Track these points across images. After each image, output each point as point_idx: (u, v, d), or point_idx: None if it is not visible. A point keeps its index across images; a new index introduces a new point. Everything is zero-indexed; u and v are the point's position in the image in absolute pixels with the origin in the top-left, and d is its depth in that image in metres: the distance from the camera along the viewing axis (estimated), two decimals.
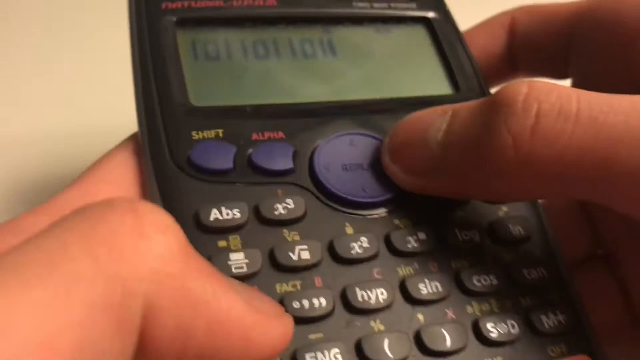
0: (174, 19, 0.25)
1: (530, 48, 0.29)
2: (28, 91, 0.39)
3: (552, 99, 0.19)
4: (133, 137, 0.23)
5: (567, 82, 0.29)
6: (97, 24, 0.42)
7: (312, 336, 0.19)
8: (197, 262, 0.15)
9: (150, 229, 0.14)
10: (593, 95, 0.19)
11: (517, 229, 0.22)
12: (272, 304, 0.17)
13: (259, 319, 0.16)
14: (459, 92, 0.26)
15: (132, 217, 0.14)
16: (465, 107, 0.21)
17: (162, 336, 0.14)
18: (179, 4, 0.25)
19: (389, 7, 0.28)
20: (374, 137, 0.23)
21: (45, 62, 0.41)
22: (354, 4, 0.27)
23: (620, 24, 0.25)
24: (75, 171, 0.22)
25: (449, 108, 0.21)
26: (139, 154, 0.22)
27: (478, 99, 0.21)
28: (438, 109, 0.22)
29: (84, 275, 0.13)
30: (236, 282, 0.16)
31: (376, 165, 0.23)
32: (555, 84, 0.19)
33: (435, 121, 0.21)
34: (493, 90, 0.27)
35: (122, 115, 0.26)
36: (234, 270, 0.19)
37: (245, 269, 0.19)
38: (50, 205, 0.20)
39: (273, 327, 0.16)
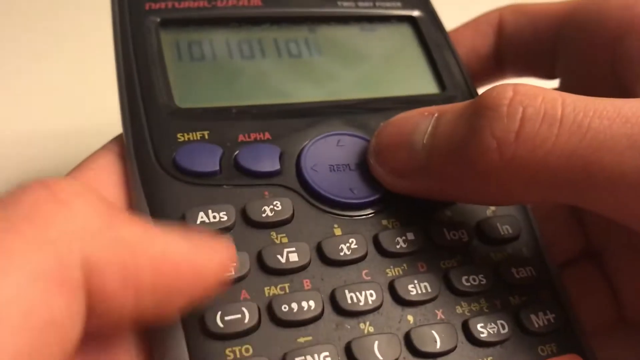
0: (158, 19, 0.24)
1: (518, 48, 0.29)
2: (13, 91, 0.38)
3: (537, 103, 0.19)
4: (117, 139, 0.22)
5: (555, 83, 0.29)
6: (85, 23, 0.42)
7: (301, 339, 0.19)
8: (124, 214, 0.16)
9: (65, 195, 0.15)
10: (578, 99, 0.19)
11: (505, 228, 0.22)
12: (207, 235, 0.17)
13: (196, 246, 0.16)
14: (445, 91, 0.26)
15: (45, 190, 0.15)
16: (451, 109, 0.21)
17: (111, 287, 0.15)
18: (163, 5, 0.25)
19: (374, 6, 0.28)
20: (360, 138, 0.23)
21: (31, 61, 0.40)
22: (339, 3, 0.27)
23: (604, 24, 0.25)
24: (62, 171, 0.22)
25: (434, 109, 0.21)
26: (123, 156, 0.22)
27: (464, 101, 0.21)
28: (423, 110, 0.21)
29: (13, 250, 0.13)
30: (167, 227, 0.17)
31: (364, 166, 0.22)
32: (540, 88, 0.19)
33: (421, 123, 0.21)
34: (480, 90, 0.27)
35: (108, 115, 0.26)
36: None
37: (232, 272, 0.19)
38: None
39: (212, 250, 0.17)
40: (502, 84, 0.20)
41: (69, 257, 0.14)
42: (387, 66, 0.26)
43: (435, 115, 0.21)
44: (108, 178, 0.21)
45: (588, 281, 0.27)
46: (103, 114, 0.30)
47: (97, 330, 0.16)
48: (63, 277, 0.14)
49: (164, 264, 0.16)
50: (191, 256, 0.16)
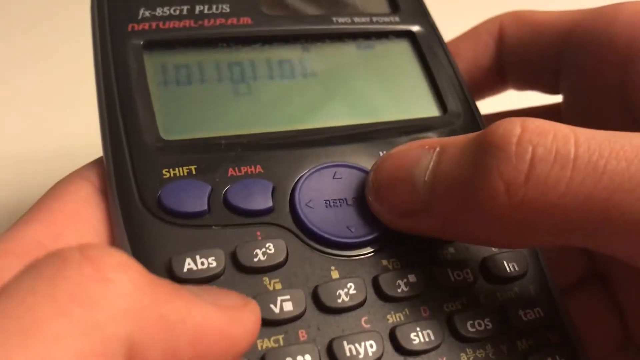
0: (141, 42, 0.23)
1: (519, 59, 0.28)
2: None
3: (547, 141, 0.17)
4: (94, 165, 0.21)
5: (557, 98, 0.28)
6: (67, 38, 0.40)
7: None
8: (163, 287, 0.16)
9: (110, 272, 0.15)
10: (593, 136, 0.17)
11: (511, 266, 0.21)
12: (234, 295, 0.17)
13: (231, 316, 0.16)
14: (447, 114, 0.24)
15: (89, 265, 0.14)
16: (454, 143, 0.19)
17: None
18: (146, 25, 0.23)
19: (371, 22, 0.26)
20: (358, 169, 0.22)
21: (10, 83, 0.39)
22: (334, 19, 0.26)
23: (613, 43, 0.24)
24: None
25: (436, 143, 0.20)
26: (102, 189, 0.20)
27: (467, 135, 0.19)
28: (424, 143, 0.20)
29: (61, 335, 0.13)
30: (197, 288, 0.17)
31: (362, 200, 0.21)
32: (551, 123, 0.18)
33: (422, 158, 0.20)
34: (480, 104, 0.25)
35: (86, 136, 0.25)
36: None
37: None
38: (14, 238, 0.19)
39: (244, 317, 0.17)
40: (508, 119, 0.18)
41: (115, 341, 0.14)
42: (386, 88, 0.25)
43: (437, 149, 0.20)
44: (89, 213, 0.20)
45: (594, 304, 0.27)
46: (83, 133, 0.29)
47: None
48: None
49: (202, 339, 0.15)
50: (227, 328, 0.16)
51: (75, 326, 0.13)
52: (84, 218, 0.20)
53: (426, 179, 0.19)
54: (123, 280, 0.15)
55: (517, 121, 0.18)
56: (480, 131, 0.19)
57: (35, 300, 0.13)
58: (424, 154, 0.20)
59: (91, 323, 0.14)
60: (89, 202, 0.20)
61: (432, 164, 0.19)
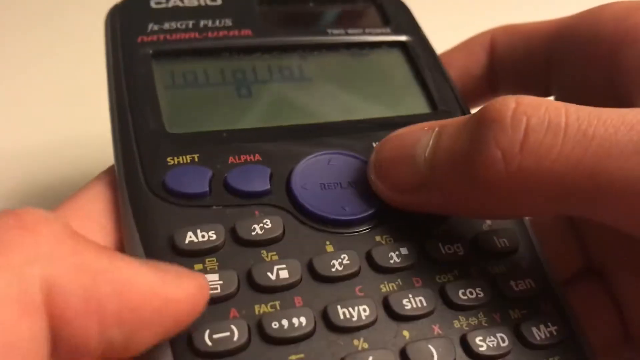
0: (150, 51, 0.25)
1: (511, 67, 0.29)
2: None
3: (540, 113, 0.18)
4: (108, 171, 0.23)
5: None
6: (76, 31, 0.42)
7: (293, 357, 0.18)
8: (90, 243, 0.16)
9: (31, 223, 0.15)
10: (581, 108, 0.19)
11: (502, 241, 0.22)
12: (180, 267, 0.18)
13: (168, 278, 0.17)
14: (437, 111, 0.26)
15: (12, 217, 0.15)
16: (452, 122, 0.21)
17: (73, 310, 0.15)
18: (155, 37, 0.25)
19: (364, 33, 0.28)
20: (352, 156, 0.23)
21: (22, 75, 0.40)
22: (329, 31, 0.28)
23: (598, 37, 0.25)
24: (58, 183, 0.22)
25: (435, 124, 0.21)
26: (113, 186, 0.22)
27: (465, 115, 0.21)
28: (424, 125, 0.21)
29: None
30: (141, 259, 0.17)
31: (355, 183, 0.22)
32: (544, 99, 0.19)
33: (422, 137, 0.21)
34: (473, 110, 0.27)
35: (87, 135, 0.26)
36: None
37: (219, 291, 0.19)
38: None
39: (184, 282, 0.17)
40: (504, 96, 0.20)
41: (31, 282, 0.15)
42: (379, 89, 0.27)
43: (437, 129, 0.21)
44: (97, 206, 0.21)
45: (592, 298, 0.27)
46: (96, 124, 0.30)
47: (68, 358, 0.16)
48: (25, 301, 0.14)
49: (129, 293, 0.16)
50: (158, 286, 0.16)
51: None
52: (89, 212, 0.21)
53: (426, 156, 0.20)
54: (44, 231, 0.15)
55: (512, 97, 0.19)
56: (477, 110, 0.20)
57: None
58: (423, 134, 0.21)
59: (5, 265, 0.14)
60: (98, 197, 0.22)
61: (431, 142, 0.20)
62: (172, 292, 0.17)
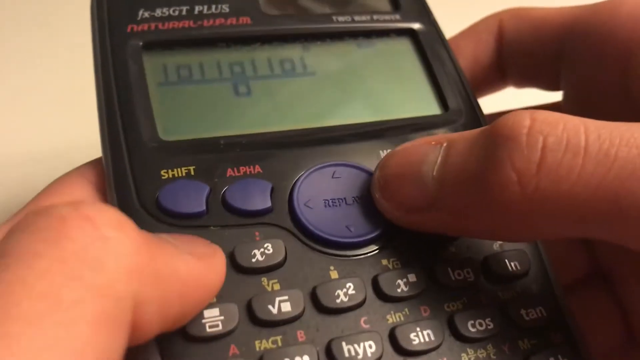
0: (141, 42, 0.23)
1: (519, 55, 0.28)
2: None
3: (558, 131, 0.17)
4: (91, 165, 0.21)
5: (555, 96, 0.27)
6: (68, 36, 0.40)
7: None
8: (154, 242, 0.16)
9: (108, 230, 0.15)
10: (602, 126, 0.17)
11: (513, 264, 0.21)
12: (203, 242, 0.18)
13: (206, 264, 0.17)
14: (448, 112, 0.24)
15: (88, 224, 0.15)
16: (462, 137, 0.19)
17: (149, 321, 0.15)
18: (145, 26, 0.23)
19: (372, 20, 0.26)
20: (357, 168, 0.22)
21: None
22: (334, 18, 0.25)
23: (615, 35, 0.23)
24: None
25: (442, 138, 0.20)
26: (100, 188, 0.21)
27: (474, 129, 0.19)
28: (431, 139, 0.20)
29: (79, 299, 0.13)
30: (172, 237, 0.17)
31: (361, 199, 0.21)
32: (559, 114, 0.18)
33: (429, 154, 0.19)
34: (483, 103, 0.25)
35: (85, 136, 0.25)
36: (208, 330, 0.17)
37: (220, 327, 0.18)
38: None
39: (216, 263, 0.17)
40: (518, 111, 0.18)
41: (125, 300, 0.14)
42: (386, 86, 0.25)
43: (445, 144, 0.19)
44: (84, 188, 0.21)
45: (597, 302, 0.26)
46: (82, 133, 0.29)
47: None
48: (121, 320, 0.14)
49: (187, 289, 0.16)
50: (204, 276, 0.17)
51: (89, 290, 0.14)
52: (78, 193, 0.20)
53: (434, 174, 0.19)
54: (122, 238, 0.15)
55: (526, 113, 0.18)
56: (489, 125, 0.19)
57: (45, 264, 0.14)
58: (431, 150, 0.20)
59: (101, 285, 0.14)
60: (84, 180, 0.21)
61: (439, 159, 0.19)
62: (213, 278, 0.17)
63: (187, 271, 0.16)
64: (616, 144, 0.17)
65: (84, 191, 0.21)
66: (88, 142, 0.25)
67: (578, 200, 0.17)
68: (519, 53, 0.27)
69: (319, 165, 0.21)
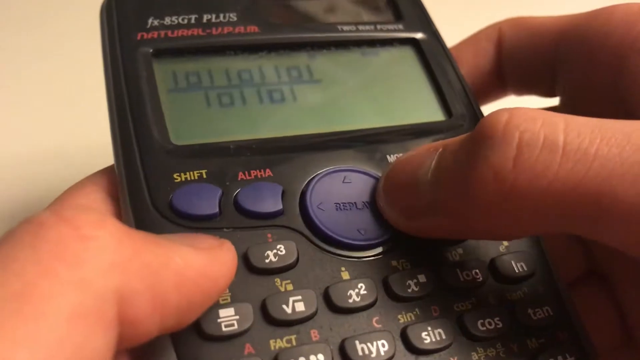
0: (150, 50, 0.23)
1: (518, 63, 0.28)
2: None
3: (535, 127, 0.17)
4: (103, 172, 0.21)
5: (555, 101, 0.28)
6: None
7: None
8: (141, 237, 0.16)
9: (88, 229, 0.15)
10: (582, 122, 0.17)
11: (519, 265, 0.21)
12: (209, 237, 0.18)
13: (209, 256, 0.17)
14: (452, 118, 0.25)
15: (66, 225, 0.15)
16: (454, 141, 0.20)
17: (142, 314, 0.15)
18: (155, 34, 0.24)
19: (375, 29, 0.27)
20: (367, 174, 0.22)
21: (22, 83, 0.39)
22: (339, 27, 0.26)
23: (608, 40, 0.24)
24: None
25: (440, 144, 0.20)
26: (113, 194, 0.21)
27: (467, 133, 0.20)
28: (430, 146, 0.20)
29: (52, 294, 0.14)
30: (173, 235, 0.18)
31: (370, 204, 0.21)
32: (540, 111, 0.18)
33: (425, 160, 0.20)
34: (485, 108, 0.26)
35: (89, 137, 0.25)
36: (224, 329, 0.18)
37: (236, 327, 0.18)
38: None
39: (222, 256, 0.17)
40: (498, 110, 0.18)
41: (105, 294, 0.14)
42: (391, 93, 0.25)
43: (440, 150, 0.20)
44: (97, 196, 0.21)
45: (594, 301, 0.27)
46: (87, 134, 0.29)
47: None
48: (101, 314, 0.14)
49: (186, 282, 0.16)
50: (207, 267, 0.17)
51: (64, 285, 0.14)
52: (95, 205, 0.20)
53: (429, 177, 0.19)
54: (102, 235, 0.15)
55: (505, 110, 0.18)
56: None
57: (20, 265, 0.14)
58: (427, 156, 0.20)
59: (79, 280, 0.14)
60: (99, 208, 0.21)
61: (433, 162, 0.20)
62: (217, 270, 0.17)
63: (185, 262, 0.16)
64: (596, 142, 0.17)
65: (97, 199, 0.21)
66: (90, 143, 0.25)
67: (557, 197, 0.17)
68: (518, 60, 0.28)
69: (330, 170, 0.22)
